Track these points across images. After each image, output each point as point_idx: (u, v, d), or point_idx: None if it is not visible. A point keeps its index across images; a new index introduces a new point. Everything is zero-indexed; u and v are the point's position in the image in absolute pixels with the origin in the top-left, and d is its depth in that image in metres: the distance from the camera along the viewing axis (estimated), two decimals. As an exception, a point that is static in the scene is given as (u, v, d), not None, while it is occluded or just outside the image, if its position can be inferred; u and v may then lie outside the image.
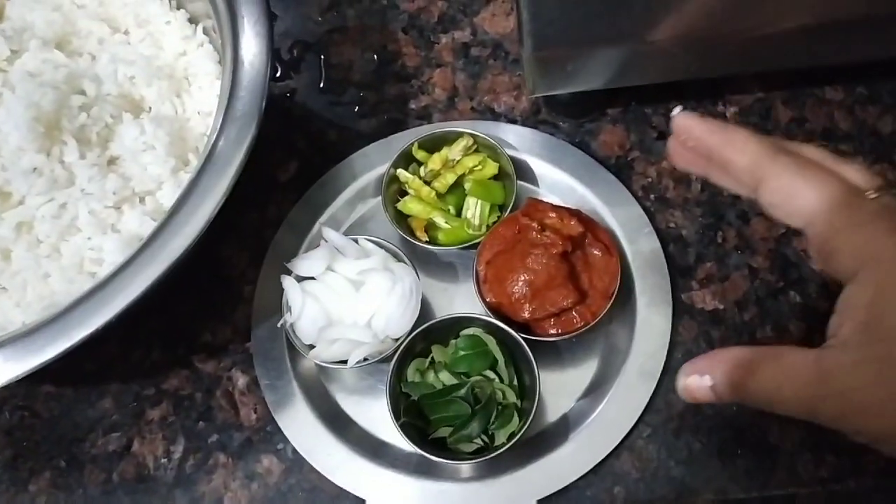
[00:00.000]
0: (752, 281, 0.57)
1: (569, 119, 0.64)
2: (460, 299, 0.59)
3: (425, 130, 0.64)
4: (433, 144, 0.62)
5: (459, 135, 0.61)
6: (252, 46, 0.54)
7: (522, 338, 0.52)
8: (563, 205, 0.56)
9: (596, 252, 0.54)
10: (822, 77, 0.63)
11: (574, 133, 0.64)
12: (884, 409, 0.35)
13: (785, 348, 0.39)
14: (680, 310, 0.56)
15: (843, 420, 0.36)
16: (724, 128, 0.41)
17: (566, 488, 0.52)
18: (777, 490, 0.51)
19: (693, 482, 0.52)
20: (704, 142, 0.41)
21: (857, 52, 0.55)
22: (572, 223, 0.53)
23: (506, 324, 0.53)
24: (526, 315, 0.52)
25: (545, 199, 0.58)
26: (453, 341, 0.55)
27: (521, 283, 0.52)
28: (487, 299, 0.54)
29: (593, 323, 0.52)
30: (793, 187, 0.38)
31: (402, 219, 0.60)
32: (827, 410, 0.36)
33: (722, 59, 0.54)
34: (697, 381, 0.41)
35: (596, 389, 0.55)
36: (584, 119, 0.64)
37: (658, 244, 0.58)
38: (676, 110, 0.43)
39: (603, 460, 0.53)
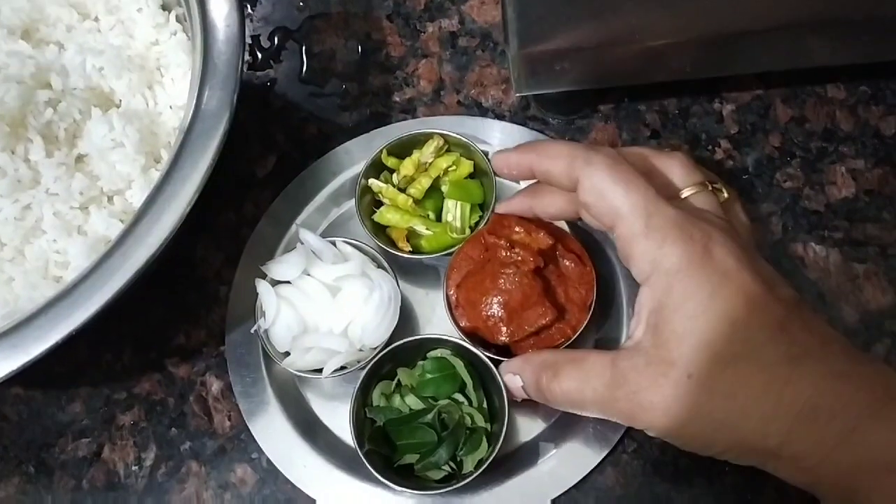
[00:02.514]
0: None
1: (559, 115, 0.61)
2: (441, 309, 0.57)
3: (407, 127, 0.62)
4: (402, 149, 0.59)
5: (429, 136, 0.58)
6: (222, 37, 0.52)
7: (492, 359, 0.50)
8: (527, 217, 0.52)
9: (568, 263, 0.50)
10: (824, 75, 0.60)
11: (564, 130, 0.61)
12: (666, 407, 0.38)
13: (588, 352, 0.43)
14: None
15: (635, 419, 0.40)
16: (536, 144, 0.47)
17: (547, 505, 0.51)
18: (765, 510, 0.49)
19: (679, 499, 0.51)
20: (523, 164, 0.46)
21: (858, 53, 0.53)
22: (541, 236, 0.49)
23: (484, 347, 0.50)
24: (504, 338, 0.49)
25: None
26: (420, 363, 0.53)
27: (495, 306, 0.49)
28: (462, 324, 0.51)
29: (574, 337, 0.49)
30: (602, 188, 0.41)
31: (380, 230, 0.57)
32: (620, 409, 0.40)
33: (716, 61, 0.51)
34: (511, 379, 0.47)
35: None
36: (575, 116, 0.61)
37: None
38: (491, 153, 0.50)
39: (586, 476, 0.51)
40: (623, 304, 0.55)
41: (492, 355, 0.50)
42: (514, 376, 0.46)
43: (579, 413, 0.43)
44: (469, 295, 0.50)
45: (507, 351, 0.50)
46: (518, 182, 0.58)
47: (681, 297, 0.39)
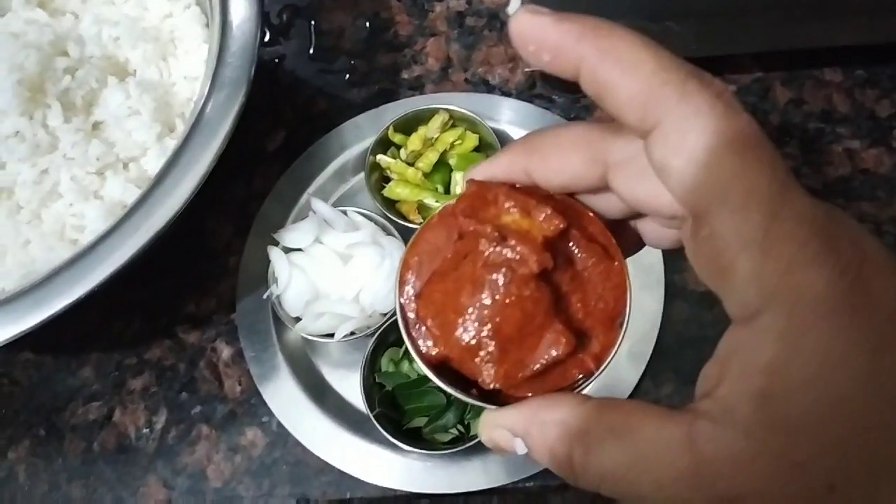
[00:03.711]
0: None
1: (564, 94, 0.63)
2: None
3: (415, 103, 0.63)
4: (408, 126, 0.60)
5: (434, 111, 0.60)
6: (241, 10, 0.53)
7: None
8: (524, 184, 0.31)
9: (587, 257, 0.30)
10: (821, 59, 0.62)
11: (569, 108, 0.63)
12: None
13: (639, 410, 0.25)
14: (672, 291, 0.56)
15: None
16: (599, 28, 0.24)
17: (552, 467, 0.52)
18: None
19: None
20: (566, 53, 0.25)
21: (856, 34, 0.54)
22: (545, 216, 0.29)
23: (461, 387, 0.30)
24: (492, 383, 0.29)
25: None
26: None
27: (477, 334, 0.29)
28: (426, 352, 0.30)
29: (598, 373, 0.30)
30: (704, 150, 0.24)
31: (390, 205, 0.59)
32: None
33: (722, 38, 0.53)
34: (507, 440, 0.28)
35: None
36: (581, 94, 0.62)
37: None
38: (513, 4, 0.27)
39: (590, 440, 0.52)
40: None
41: (474, 400, 0.29)
42: (510, 436, 0.28)
43: (625, 501, 0.26)
44: (436, 311, 0.30)
45: (493, 397, 0.30)
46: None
47: (819, 360, 0.23)
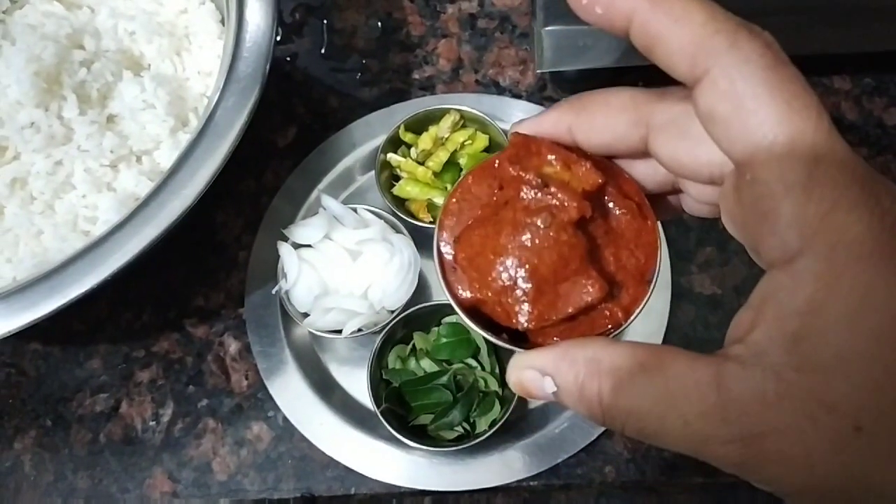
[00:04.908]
0: (751, 267, 0.57)
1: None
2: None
3: (426, 103, 0.63)
4: (419, 125, 0.61)
5: (445, 111, 0.60)
6: (257, 8, 0.53)
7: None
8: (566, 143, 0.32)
9: (622, 214, 0.32)
10: (830, 66, 0.63)
11: (579, 111, 0.63)
12: (809, 467, 0.24)
13: (669, 353, 0.26)
14: (678, 293, 0.56)
15: (753, 471, 0.25)
16: None
17: (556, 466, 0.52)
18: (767, 476, 0.51)
19: (683, 464, 0.52)
20: (619, 5, 0.26)
21: (869, 41, 0.55)
22: (586, 170, 0.31)
23: (492, 331, 0.31)
24: (525, 322, 0.31)
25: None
26: (435, 329, 0.55)
27: (514, 273, 0.31)
28: (461, 295, 0.32)
29: (627, 324, 0.31)
30: (750, 94, 0.24)
31: (399, 203, 0.59)
32: (727, 455, 0.25)
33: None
34: (534, 380, 0.29)
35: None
36: (590, 97, 0.63)
37: (660, 226, 0.57)
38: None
39: (594, 440, 0.53)
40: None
41: (504, 343, 0.32)
42: (540, 376, 0.29)
43: (651, 442, 0.27)
44: (474, 255, 0.32)
45: (523, 339, 0.32)
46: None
47: (857, 300, 0.23)
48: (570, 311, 0.31)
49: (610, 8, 0.26)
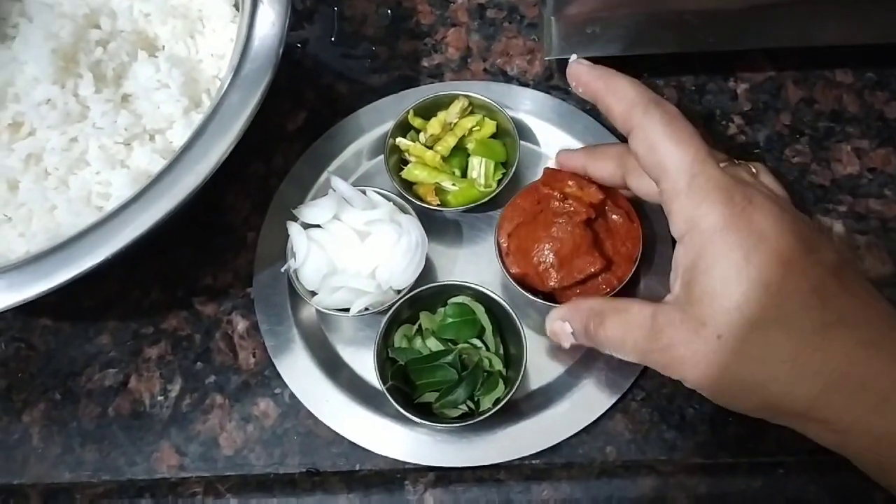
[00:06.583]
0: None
1: (580, 86, 0.64)
2: (462, 261, 0.60)
3: (435, 89, 0.64)
4: (428, 111, 0.62)
5: (454, 97, 0.61)
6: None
7: (515, 312, 0.53)
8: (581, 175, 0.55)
9: (617, 218, 0.54)
10: (833, 60, 0.64)
11: (585, 100, 0.64)
12: (695, 363, 0.40)
13: (631, 302, 0.45)
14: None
15: (670, 369, 0.42)
16: (609, 75, 0.45)
17: (558, 445, 0.53)
18: (765, 458, 0.52)
19: (684, 445, 0.53)
20: (590, 87, 0.46)
21: (869, 35, 0.56)
22: (592, 190, 0.52)
23: (531, 293, 0.53)
24: (553, 283, 0.52)
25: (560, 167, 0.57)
26: (441, 309, 0.56)
27: (546, 253, 0.52)
28: (512, 270, 0.54)
29: (619, 287, 0.52)
30: (654, 141, 0.42)
31: (408, 187, 0.60)
32: (656, 360, 0.42)
33: (739, 34, 0.54)
34: (560, 325, 0.48)
35: (593, 350, 0.55)
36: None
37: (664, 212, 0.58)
38: (573, 57, 0.48)
39: (596, 420, 0.53)
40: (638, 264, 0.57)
41: (541, 300, 0.53)
42: (563, 322, 0.48)
43: (621, 357, 0.46)
44: (521, 243, 0.54)
45: (552, 299, 0.53)
46: (539, 146, 0.61)
47: (714, 258, 0.39)
48: (580, 277, 0.52)
49: (586, 88, 0.47)
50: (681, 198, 0.41)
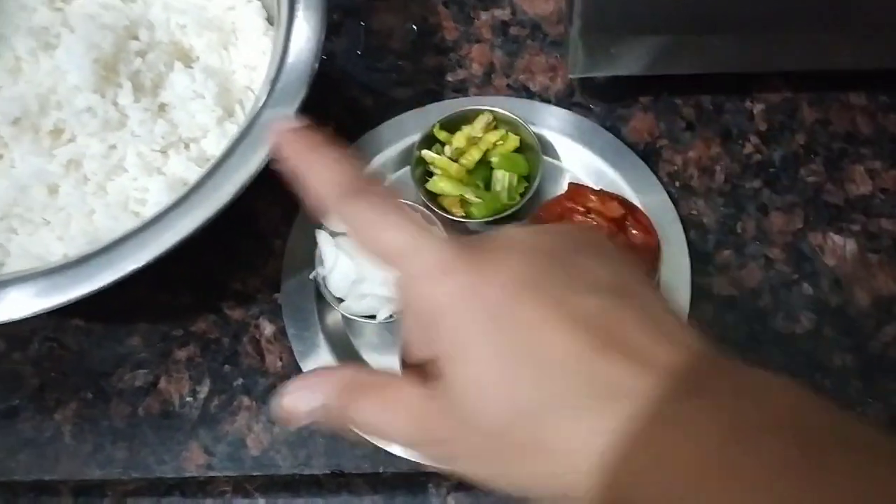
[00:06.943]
0: (767, 271, 0.60)
1: (602, 103, 0.66)
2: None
3: (459, 104, 0.66)
4: (453, 125, 0.64)
5: (479, 112, 0.63)
6: (307, 14, 0.56)
7: None
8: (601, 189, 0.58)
9: (636, 233, 0.56)
10: (847, 83, 0.66)
11: (606, 117, 0.66)
12: (465, 459, 0.31)
13: (394, 383, 0.33)
14: (698, 293, 0.59)
15: (441, 463, 0.32)
16: (315, 144, 0.33)
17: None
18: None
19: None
20: (293, 161, 0.33)
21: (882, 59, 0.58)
22: (614, 205, 0.56)
23: None
24: None
25: (582, 183, 0.60)
26: None
27: None
28: None
29: None
30: (368, 229, 0.31)
31: (433, 198, 0.62)
32: (429, 454, 0.35)
33: (760, 55, 0.56)
34: (308, 399, 0.33)
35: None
36: (617, 104, 0.66)
37: (681, 229, 0.60)
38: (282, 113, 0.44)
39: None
40: (658, 279, 0.59)
41: None
42: (312, 394, 0.32)
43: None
44: None
45: None
46: (560, 161, 0.63)
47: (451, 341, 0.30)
48: None
49: (291, 150, 0.33)
50: (420, 280, 0.31)
